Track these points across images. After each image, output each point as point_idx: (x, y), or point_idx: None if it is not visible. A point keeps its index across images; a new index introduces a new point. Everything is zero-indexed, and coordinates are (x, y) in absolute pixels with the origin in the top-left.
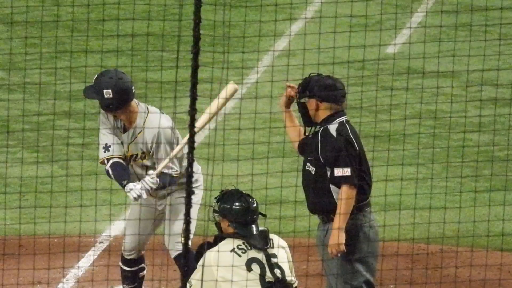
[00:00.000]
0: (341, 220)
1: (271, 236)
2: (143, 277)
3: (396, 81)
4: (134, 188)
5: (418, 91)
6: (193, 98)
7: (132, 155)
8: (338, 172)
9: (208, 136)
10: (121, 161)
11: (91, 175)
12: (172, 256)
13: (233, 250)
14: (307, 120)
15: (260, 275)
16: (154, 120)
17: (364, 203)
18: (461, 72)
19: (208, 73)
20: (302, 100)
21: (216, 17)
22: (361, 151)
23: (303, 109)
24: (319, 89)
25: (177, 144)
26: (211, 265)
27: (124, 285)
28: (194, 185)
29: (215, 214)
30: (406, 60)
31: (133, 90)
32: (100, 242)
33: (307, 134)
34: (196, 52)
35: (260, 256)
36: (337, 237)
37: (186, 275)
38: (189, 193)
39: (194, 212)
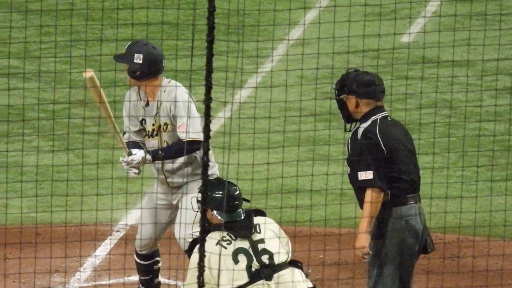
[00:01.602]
0: (365, 223)
1: (258, 220)
2: (158, 269)
3: (411, 70)
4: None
5: (433, 80)
6: (208, 87)
7: (160, 126)
8: (361, 175)
9: (223, 125)
10: (136, 140)
11: (107, 163)
12: (184, 249)
13: (218, 243)
14: (347, 116)
15: (246, 266)
16: (172, 91)
17: (402, 199)
18: (476, 61)
19: (223, 62)
20: (341, 97)
21: (231, 5)
22: (395, 149)
23: (342, 106)
24: (358, 86)
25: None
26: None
27: (140, 276)
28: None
29: (198, 204)
30: (421, 49)
31: (163, 64)
32: (117, 231)
33: (347, 130)
34: (210, 40)
35: (246, 244)
36: (361, 240)
37: (202, 261)
38: (206, 182)
39: None
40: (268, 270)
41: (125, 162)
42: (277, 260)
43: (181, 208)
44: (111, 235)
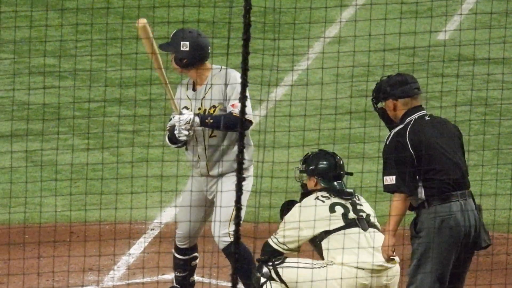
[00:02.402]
0: (391, 224)
1: (360, 196)
2: (195, 265)
3: (447, 68)
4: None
5: (469, 78)
6: (244, 85)
7: (205, 111)
8: (386, 180)
9: (259, 123)
10: None
11: (142, 162)
12: (220, 248)
13: (316, 198)
14: (390, 123)
15: (342, 214)
16: (225, 73)
17: (438, 198)
18: None
19: (258, 60)
20: (379, 105)
21: (267, 3)
22: (426, 149)
23: (383, 115)
24: (392, 87)
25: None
26: (295, 215)
27: (176, 272)
28: (245, 174)
29: (302, 174)
30: (457, 47)
31: (209, 51)
32: (151, 229)
33: None
34: (246, 39)
35: (345, 201)
36: (386, 240)
37: (237, 261)
38: (240, 179)
39: (244, 199)
40: (364, 222)
41: (176, 121)
42: (374, 221)
43: (217, 206)
44: (145, 233)
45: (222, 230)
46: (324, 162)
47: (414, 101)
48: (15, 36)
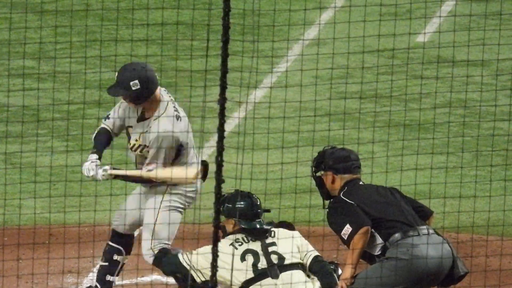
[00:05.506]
0: (351, 258)
1: (276, 227)
2: (117, 261)
3: (426, 70)
4: (89, 166)
5: (448, 80)
6: (223, 87)
7: (140, 145)
8: (344, 235)
9: (238, 125)
10: (109, 131)
11: (121, 164)
12: (150, 263)
13: (231, 244)
14: (325, 193)
15: (252, 264)
16: (165, 122)
17: (393, 238)
18: (491, 61)
19: (238, 62)
20: (318, 174)
21: (246, 6)
22: (362, 203)
23: (320, 184)
24: (334, 162)
25: (185, 148)
26: (208, 259)
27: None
28: (190, 191)
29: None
30: (436, 49)
31: (157, 80)
32: None
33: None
34: (225, 41)
35: (257, 246)
36: (346, 272)
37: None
38: (219, 182)
39: (170, 216)
40: (275, 269)
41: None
42: (289, 261)
43: (147, 208)
44: None
45: (145, 247)
46: (242, 203)
47: (353, 176)
48: None
